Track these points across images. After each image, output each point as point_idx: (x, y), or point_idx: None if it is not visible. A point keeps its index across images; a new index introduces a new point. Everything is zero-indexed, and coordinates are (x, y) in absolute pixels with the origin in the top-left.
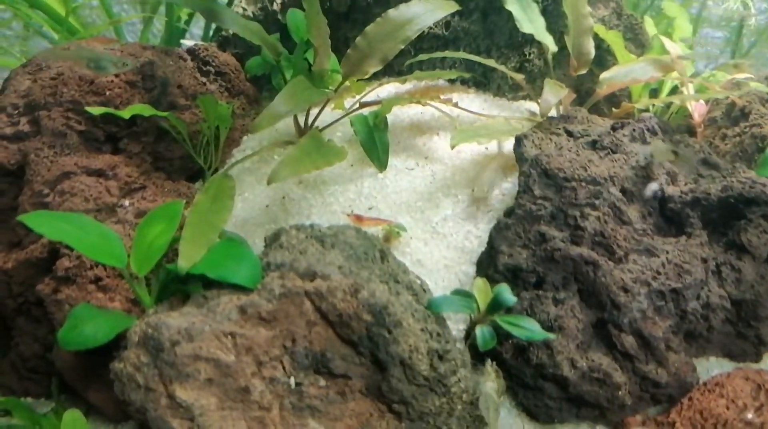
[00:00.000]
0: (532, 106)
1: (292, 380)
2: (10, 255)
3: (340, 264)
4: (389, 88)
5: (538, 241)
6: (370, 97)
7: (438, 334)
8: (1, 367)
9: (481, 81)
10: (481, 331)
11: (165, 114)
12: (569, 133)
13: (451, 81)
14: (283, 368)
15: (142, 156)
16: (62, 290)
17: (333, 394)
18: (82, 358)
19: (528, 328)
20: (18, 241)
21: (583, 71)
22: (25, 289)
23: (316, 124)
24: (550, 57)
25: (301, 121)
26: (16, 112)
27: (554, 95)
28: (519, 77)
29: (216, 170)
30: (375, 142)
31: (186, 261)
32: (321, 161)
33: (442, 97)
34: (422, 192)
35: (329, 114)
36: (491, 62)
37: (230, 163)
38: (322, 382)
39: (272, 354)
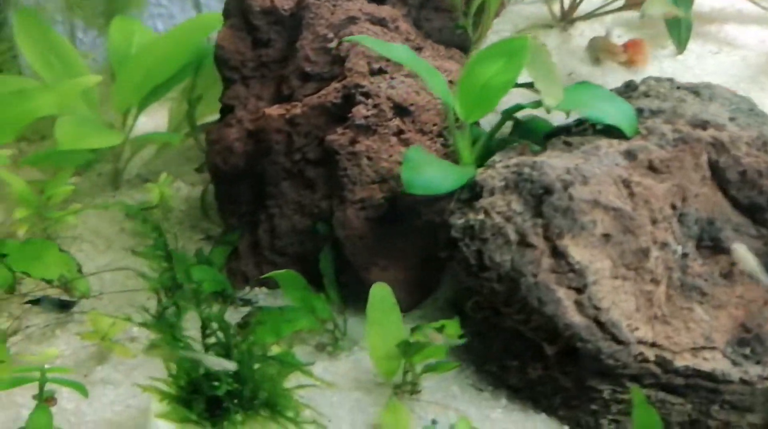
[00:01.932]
0: None
1: (680, 249)
2: (285, 104)
3: (729, 116)
4: None
5: None
6: None
7: None
8: (238, 252)
9: None
10: None
11: None
12: None
13: None
14: (673, 233)
15: (408, 19)
16: (360, 141)
17: (717, 275)
18: (372, 227)
19: None
20: (289, 94)
21: None
22: (306, 144)
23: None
24: None
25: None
26: None
27: None
28: None
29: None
30: (678, 19)
31: (551, 99)
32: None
33: None
34: (739, 75)
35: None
36: None
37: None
38: (706, 258)
39: (665, 213)
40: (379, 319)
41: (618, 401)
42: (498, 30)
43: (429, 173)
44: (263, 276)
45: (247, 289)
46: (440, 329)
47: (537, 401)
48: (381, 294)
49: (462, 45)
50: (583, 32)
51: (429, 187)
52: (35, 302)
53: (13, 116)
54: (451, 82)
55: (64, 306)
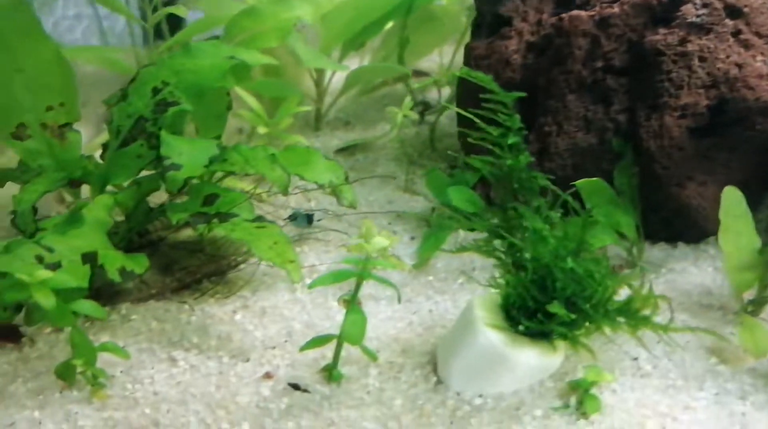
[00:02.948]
0: None
1: None
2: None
3: None
4: None
5: None
6: None
7: None
8: (486, 178)
9: None
10: None
11: None
12: None
13: None
14: None
15: None
16: (692, 40)
17: None
18: (692, 137)
19: None
20: (581, 3)
21: None
22: (614, 48)
23: None
24: None
25: None
26: None
27: None
28: None
29: None
30: None
31: None
32: None
33: None
34: None
35: None
36: None
37: None
38: None
39: None
40: (732, 225)
41: None
42: None
43: None
44: (574, 182)
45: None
46: None
47: None
48: (734, 197)
49: None
50: None
51: None
52: (293, 218)
53: (276, 24)
54: None
55: (310, 221)
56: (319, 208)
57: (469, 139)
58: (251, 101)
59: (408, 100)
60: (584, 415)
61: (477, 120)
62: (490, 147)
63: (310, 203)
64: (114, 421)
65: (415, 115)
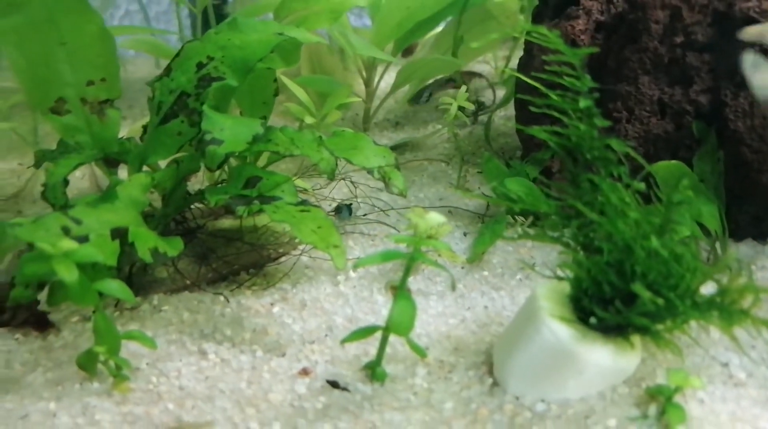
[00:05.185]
0: None
1: None
2: None
3: None
4: None
5: None
6: None
7: None
8: (549, 171)
9: None
10: None
11: None
12: None
13: None
14: None
15: None
16: None
17: None
18: None
19: None
20: None
21: None
22: (697, 21)
23: None
24: None
25: None
26: None
27: None
28: None
29: None
30: None
31: None
32: None
33: None
34: None
35: None
36: None
37: None
38: None
39: None
40: None
41: None
42: None
43: None
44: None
45: None
46: None
47: None
48: None
49: None
50: None
51: None
52: (338, 210)
53: (329, 6)
54: None
55: (350, 211)
56: (366, 203)
57: (531, 108)
58: (300, 93)
59: (463, 91)
60: (666, 427)
61: (540, 86)
62: (556, 115)
63: (356, 199)
64: (133, 417)
65: (468, 114)
